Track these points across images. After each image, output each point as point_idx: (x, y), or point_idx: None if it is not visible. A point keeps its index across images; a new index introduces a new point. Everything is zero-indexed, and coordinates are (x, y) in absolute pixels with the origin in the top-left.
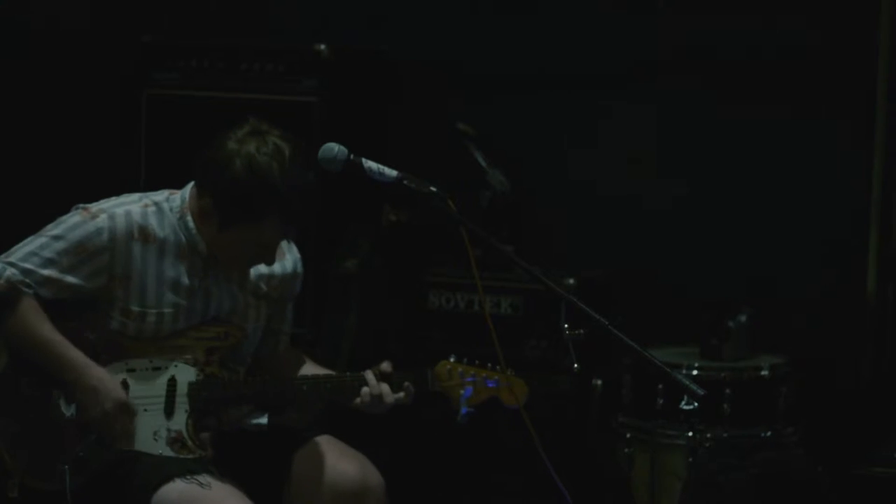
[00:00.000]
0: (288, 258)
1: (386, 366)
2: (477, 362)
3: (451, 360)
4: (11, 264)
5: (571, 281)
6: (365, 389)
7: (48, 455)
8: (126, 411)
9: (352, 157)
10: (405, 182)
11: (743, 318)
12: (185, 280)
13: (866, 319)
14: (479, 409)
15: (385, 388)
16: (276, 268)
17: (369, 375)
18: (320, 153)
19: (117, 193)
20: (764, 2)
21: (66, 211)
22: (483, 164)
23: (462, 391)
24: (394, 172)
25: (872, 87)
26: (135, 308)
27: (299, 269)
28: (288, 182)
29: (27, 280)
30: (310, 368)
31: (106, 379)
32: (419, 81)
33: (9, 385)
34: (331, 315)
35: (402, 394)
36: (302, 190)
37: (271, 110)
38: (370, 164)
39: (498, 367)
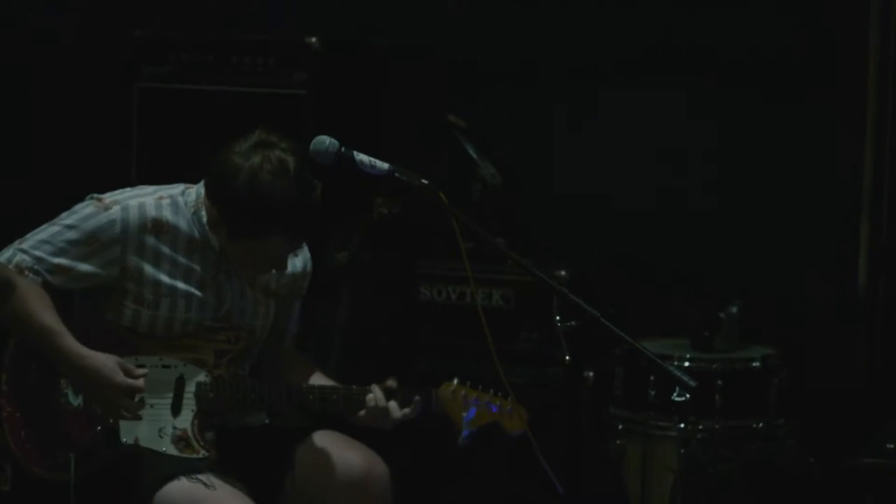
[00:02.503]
0: (298, 256)
1: (392, 382)
2: (480, 387)
3: (455, 382)
4: (23, 251)
5: (563, 273)
6: (371, 404)
7: (53, 443)
8: (128, 393)
9: (343, 149)
10: (396, 175)
11: (734, 310)
12: (198, 271)
13: (857, 311)
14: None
15: (392, 403)
16: (287, 266)
17: (375, 390)
18: (311, 146)
19: (110, 187)
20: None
21: (58, 204)
22: (474, 156)
23: (465, 413)
24: (385, 165)
25: (863, 81)
26: (149, 295)
27: (309, 268)
28: (292, 202)
29: (37, 267)
30: (318, 378)
31: (103, 365)
32: (410, 74)
33: (19, 372)
34: (322, 308)
35: (408, 409)
36: (307, 207)
37: (262, 103)
38: (361, 156)
39: (499, 394)
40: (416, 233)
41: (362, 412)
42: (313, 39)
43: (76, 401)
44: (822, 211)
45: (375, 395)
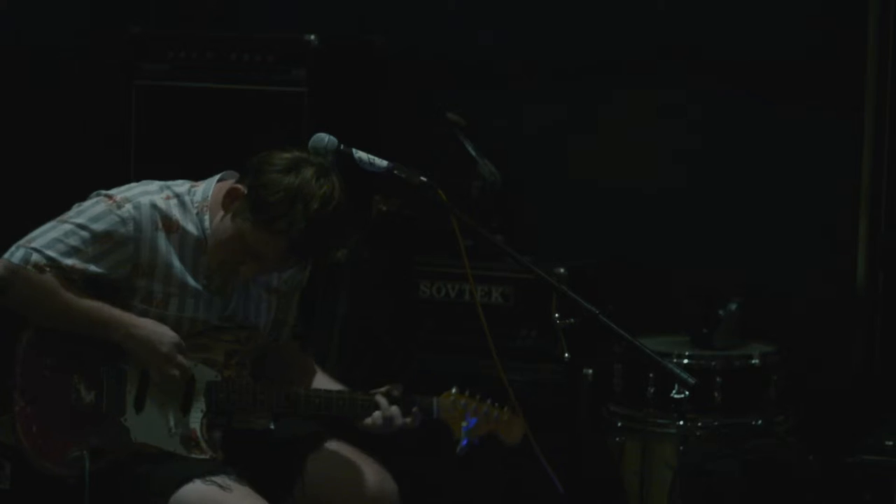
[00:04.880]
0: None
1: (396, 389)
2: (478, 396)
3: (454, 391)
4: (36, 250)
5: (562, 270)
6: (377, 413)
7: (65, 439)
8: (182, 350)
9: (342, 146)
10: (395, 172)
11: (733, 307)
12: (204, 270)
13: (856, 309)
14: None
15: (395, 410)
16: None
17: (380, 398)
18: (310, 143)
19: (109, 185)
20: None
21: (58, 202)
22: (473, 153)
23: (464, 423)
24: (384, 162)
25: (862, 78)
26: (158, 294)
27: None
28: (320, 228)
29: (51, 265)
30: (320, 378)
31: (154, 324)
32: (409, 71)
33: (32, 366)
34: (320, 305)
35: (409, 419)
36: (328, 244)
37: (261, 101)
38: (360, 153)
39: (497, 404)
40: (416, 230)
41: (368, 420)
42: (312, 37)
43: (88, 397)
44: (821, 209)
45: (381, 403)
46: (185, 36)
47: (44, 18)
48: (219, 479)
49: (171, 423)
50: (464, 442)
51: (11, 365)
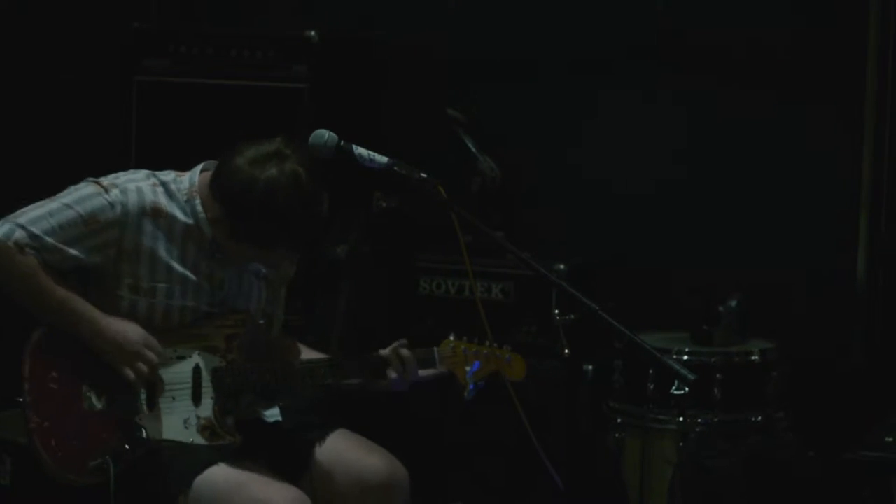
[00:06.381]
0: None
1: (404, 346)
2: (476, 340)
3: (452, 338)
4: (21, 226)
5: (562, 267)
6: (395, 367)
7: (84, 449)
8: (150, 346)
9: (342, 143)
10: (396, 168)
11: (733, 304)
12: (194, 257)
13: (856, 306)
14: (475, 400)
15: (409, 354)
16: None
17: (388, 351)
18: (311, 139)
19: None
20: None
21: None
22: (473, 150)
23: (468, 367)
24: (384, 159)
25: (862, 75)
26: (145, 283)
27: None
28: (304, 221)
29: (33, 244)
30: (309, 354)
31: (122, 323)
32: (410, 67)
33: (40, 381)
34: (321, 301)
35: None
36: (316, 224)
37: (262, 97)
38: (361, 150)
39: (495, 345)
40: (416, 226)
41: (393, 374)
42: (313, 33)
43: (99, 403)
44: (821, 206)
45: (392, 357)
46: (187, 32)
47: (44, 15)
48: (240, 462)
49: (186, 415)
50: (471, 386)
51: (20, 384)
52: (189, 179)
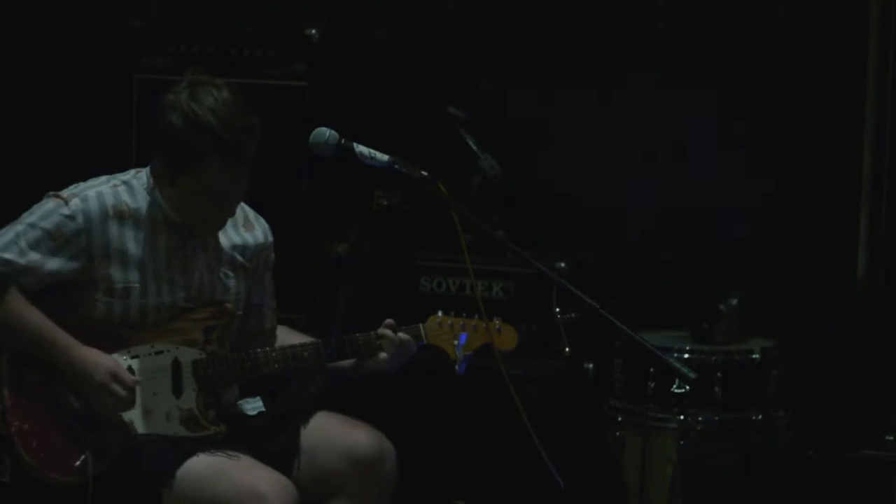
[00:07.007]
0: (257, 228)
1: (390, 322)
2: (464, 314)
3: (440, 313)
4: None
5: (562, 265)
6: (388, 338)
7: (66, 448)
8: (118, 379)
9: (343, 141)
10: (396, 166)
11: (734, 302)
12: (164, 250)
13: (857, 304)
14: (472, 394)
15: (404, 335)
16: (248, 238)
17: (383, 329)
18: (312, 138)
19: None
20: None
21: None
22: (474, 148)
23: (456, 341)
24: (385, 157)
25: (863, 71)
26: (118, 285)
27: (270, 238)
28: (218, 118)
29: (7, 270)
30: (300, 338)
31: (95, 354)
32: (410, 65)
33: (17, 383)
34: (321, 300)
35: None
36: (236, 125)
37: (262, 95)
38: (361, 148)
39: (485, 318)
40: (416, 225)
41: (383, 354)
42: (313, 31)
43: (77, 402)
44: (821, 204)
45: (387, 334)
46: (186, 30)
47: (44, 13)
48: (223, 451)
49: (168, 408)
50: (462, 362)
51: None
52: (147, 172)
